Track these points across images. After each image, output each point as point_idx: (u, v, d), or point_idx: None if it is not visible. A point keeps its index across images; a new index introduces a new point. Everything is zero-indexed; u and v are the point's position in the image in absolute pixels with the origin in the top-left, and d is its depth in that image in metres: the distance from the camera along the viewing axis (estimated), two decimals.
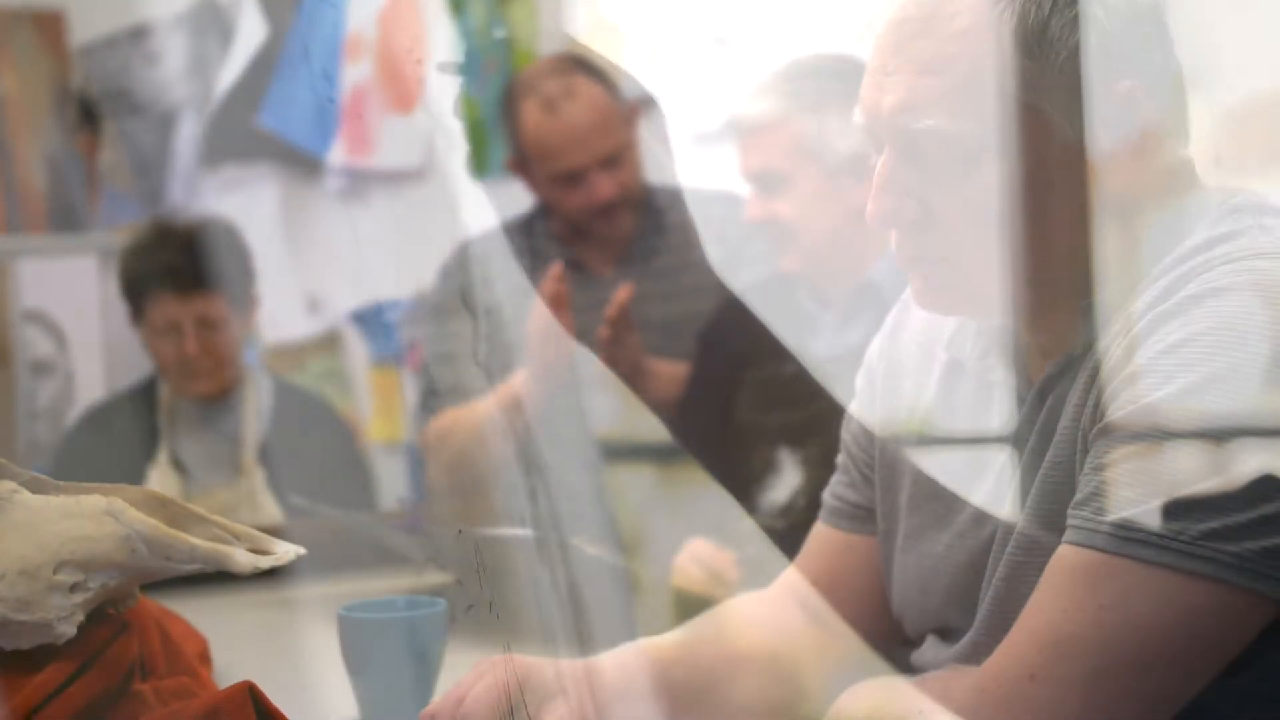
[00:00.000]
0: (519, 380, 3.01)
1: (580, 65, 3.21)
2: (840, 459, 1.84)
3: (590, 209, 3.13)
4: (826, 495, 1.83)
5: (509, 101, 3.21)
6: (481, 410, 3.06)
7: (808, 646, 1.78)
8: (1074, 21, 1.48)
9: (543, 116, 3.12)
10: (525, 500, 2.19)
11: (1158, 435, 1.38)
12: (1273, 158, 1.57)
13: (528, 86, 3.18)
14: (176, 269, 3.48)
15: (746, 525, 2.62)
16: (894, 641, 1.76)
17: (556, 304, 2.90)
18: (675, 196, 3.27)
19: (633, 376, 3.00)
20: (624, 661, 1.74)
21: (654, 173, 3.29)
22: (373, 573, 2.82)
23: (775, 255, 2.77)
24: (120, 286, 3.61)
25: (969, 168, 1.50)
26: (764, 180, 2.69)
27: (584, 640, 1.81)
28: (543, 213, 3.26)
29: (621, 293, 2.94)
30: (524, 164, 3.20)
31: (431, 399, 3.22)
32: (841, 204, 2.58)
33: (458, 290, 3.21)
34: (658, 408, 3.04)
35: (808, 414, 2.61)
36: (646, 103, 3.60)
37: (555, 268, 2.93)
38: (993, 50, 1.48)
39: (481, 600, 1.75)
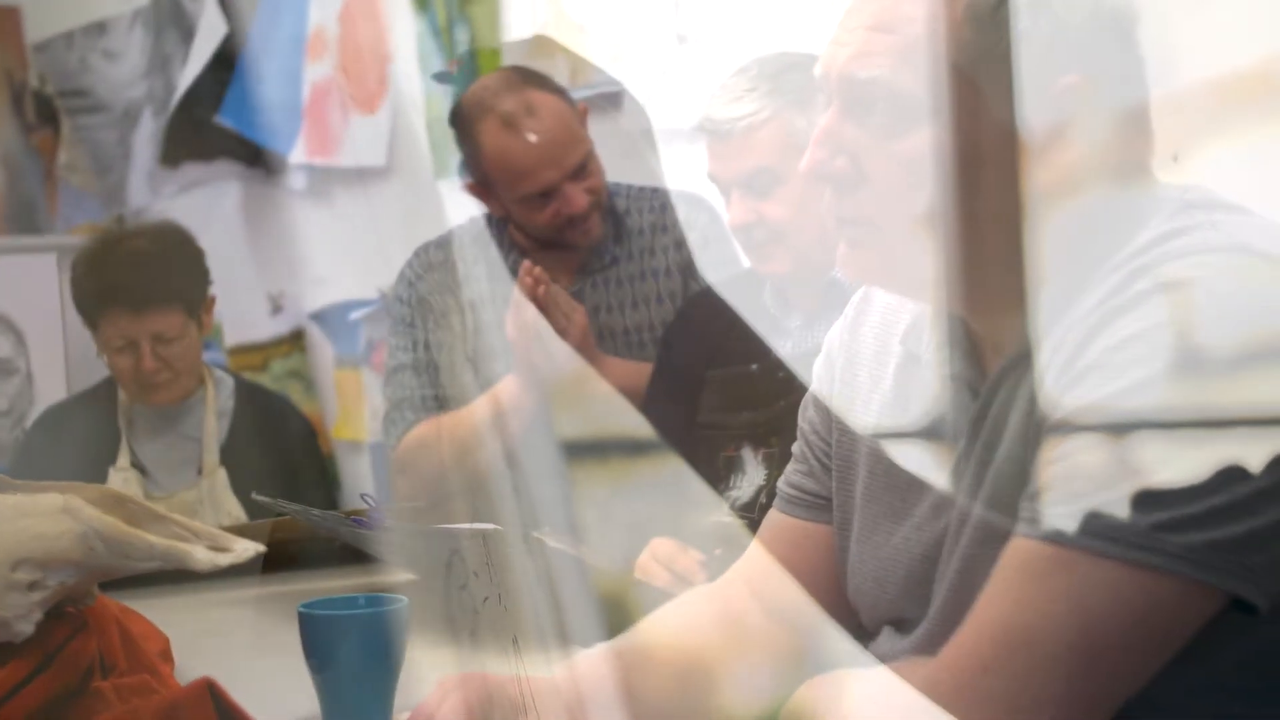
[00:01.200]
0: (509, 387, 3.01)
1: (529, 78, 3.14)
2: (797, 447, 1.84)
3: (564, 220, 3.09)
4: (782, 483, 1.84)
5: (464, 125, 3.13)
6: (468, 419, 3.06)
7: (724, 642, 1.78)
8: (1029, 7, 1.48)
9: (507, 138, 3.04)
10: (510, 496, 2.19)
11: (1109, 430, 1.39)
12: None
13: (482, 108, 3.09)
14: (128, 287, 3.45)
15: (710, 524, 2.63)
16: (849, 631, 1.76)
17: (537, 298, 2.90)
18: (638, 197, 3.25)
19: (580, 350, 2.99)
20: (584, 672, 1.74)
21: (639, 173, 3.28)
22: (335, 570, 2.82)
23: (758, 258, 2.75)
24: (73, 301, 3.59)
25: (904, 127, 1.52)
26: (754, 182, 2.64)
27: (558, 633, 1.82)
28: (501, 222, 3.23)
29: (525, 267, 2.94)
30: (487, 186, 3.14)
31: (396, 412, 3.20)
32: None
33: (415, 299, 3.20)
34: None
35: (771, 413, 2.61)
36: (615, 99, 3.61)
37: (527, 267, 2.92)
38: (945, 17, 1.49)
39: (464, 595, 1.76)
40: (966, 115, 1.50)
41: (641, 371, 3.01)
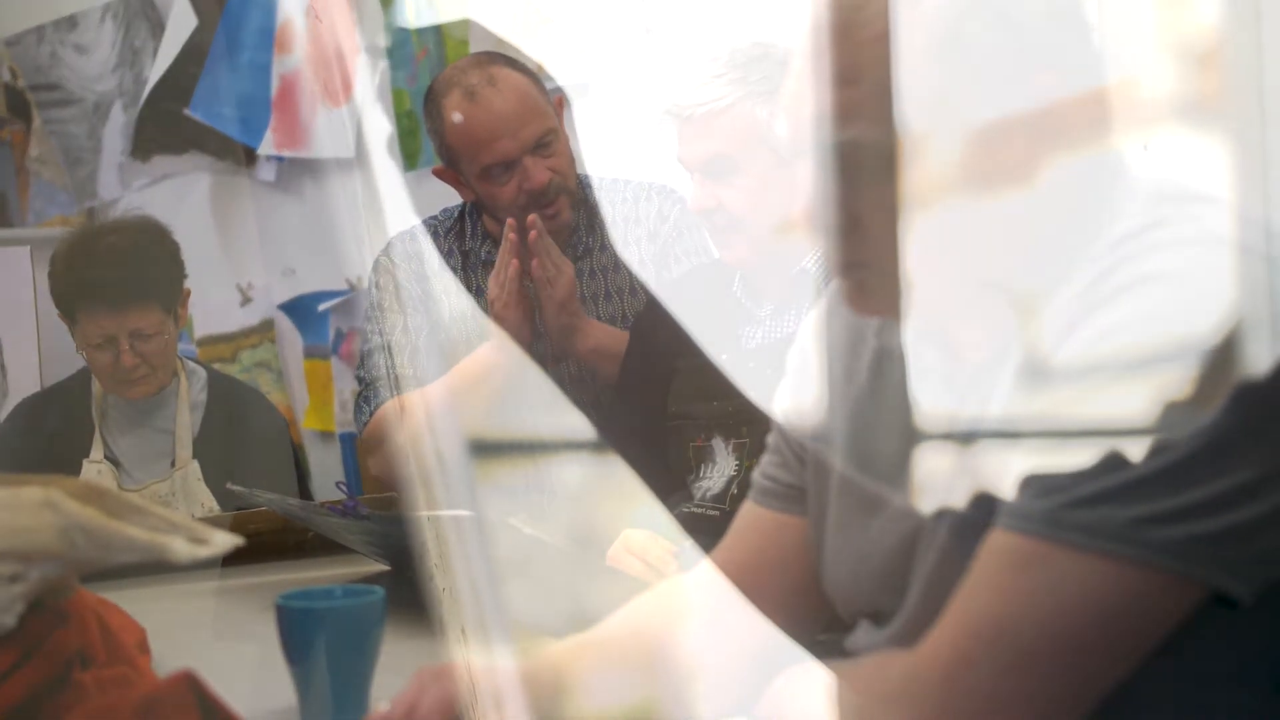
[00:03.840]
0: (486, 349, 3.02)
1: (498, 57, 3.16)
2: (771, 438, 1.84)
3: (525, 198, 3.10)
4: (757, 474, 1.84)
5: (431, 103, 3.14)
6: (440, 387, 3.08)
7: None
8: (990, 23, 1.49)
9: (465, 108, 3.05)
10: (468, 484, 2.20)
11: (1088, 428, 1.40)
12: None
13: (448, 84, 3.10)
14: (107, 284, 3.46)
15: (682, 514, 2.64)
16: (825, 623, 1.77)
17: (530, 243, 2.95)
18: (611, 188, 3.25)
19: (568, 315, 3.01)
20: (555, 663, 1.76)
21: (585, 165, 3.28)
22: (310, 560, 2.83)
23: (719, 245, 2.76)
24: (52, 297, 3.59)
25: (889, 173, 1.52)
26: (712, 167, 2.65)
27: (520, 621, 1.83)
28: (474, 211, 3.24)
29: (530, 218, 2.98)
30: (453, 162, 3.14)
31: (369, 390, 3.20)
32: (789, 193, 2.54)
33: (392, 286, 3.20)
34: (596, 356, 3.04)
35: (743, 403, 2.61)
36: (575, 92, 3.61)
37: (530, 219, 2.96)
38: (906, 55, 1.49)
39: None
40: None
41: (621, 337, 3.02)
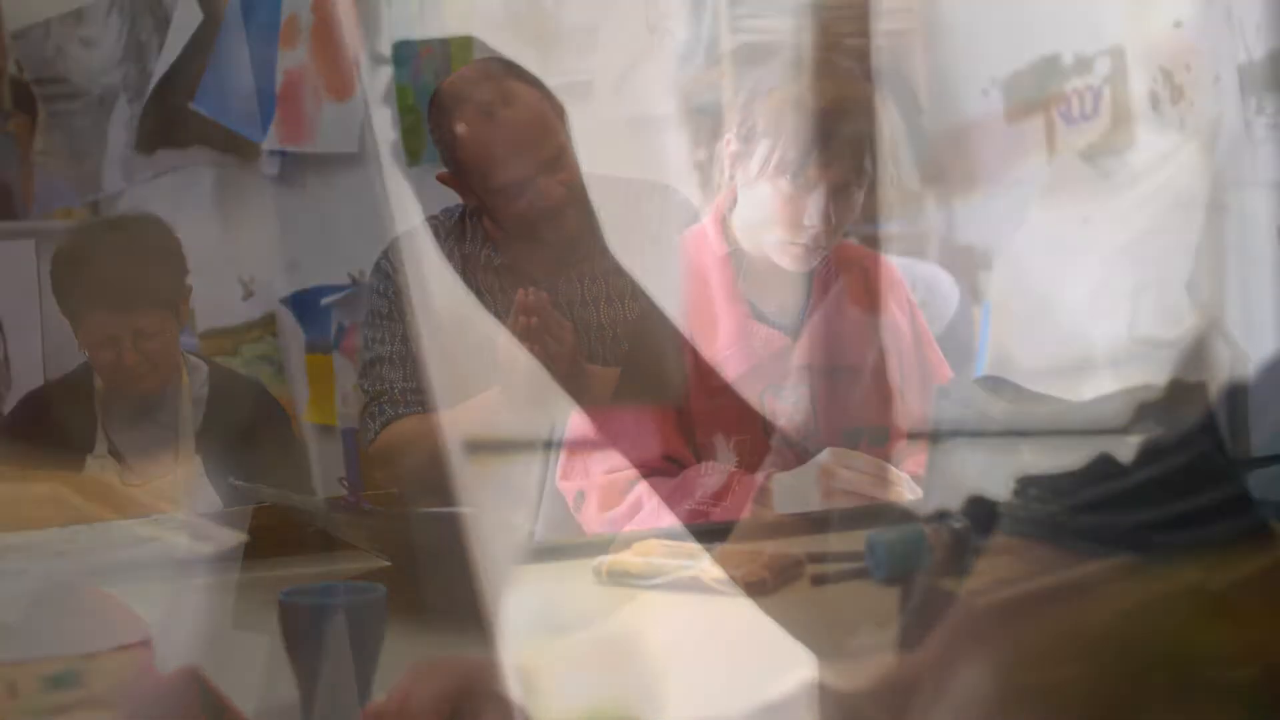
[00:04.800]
0: (491, 400, 3.02)
1: (508, 69, 3.13)
2: (774, 437, 1.85)
3: (537, 215, 3.09)
4: (759, 473, 1.85)
5: (439, 114, 3.12)
6: (443, 429, 3.07)
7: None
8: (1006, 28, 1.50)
9: (480, 128, 3.04)
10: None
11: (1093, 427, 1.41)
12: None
13: (459, 97, 3.08)
14: (110, 287, 3.46)
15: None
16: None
17: (529, 328, 2.91)
18: (612, 190, 3.24)
19: (569, 371, 3.00)
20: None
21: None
22: (312, 556, 2.83)
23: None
24: (55, 296, 3.59)
25: (899, 169, 1.53)
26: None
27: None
28: (475, 214, 3.23)
29: (530, 303, 2.94)
30: (461, 174, 3.13)
31: (374, 405, 3.20)
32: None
33: (393, 291, 3.20)
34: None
35: (744, 401, 2.62)
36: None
37: (521, 299, 2.93)
38: (911, 50, 1.50)
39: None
40: None
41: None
